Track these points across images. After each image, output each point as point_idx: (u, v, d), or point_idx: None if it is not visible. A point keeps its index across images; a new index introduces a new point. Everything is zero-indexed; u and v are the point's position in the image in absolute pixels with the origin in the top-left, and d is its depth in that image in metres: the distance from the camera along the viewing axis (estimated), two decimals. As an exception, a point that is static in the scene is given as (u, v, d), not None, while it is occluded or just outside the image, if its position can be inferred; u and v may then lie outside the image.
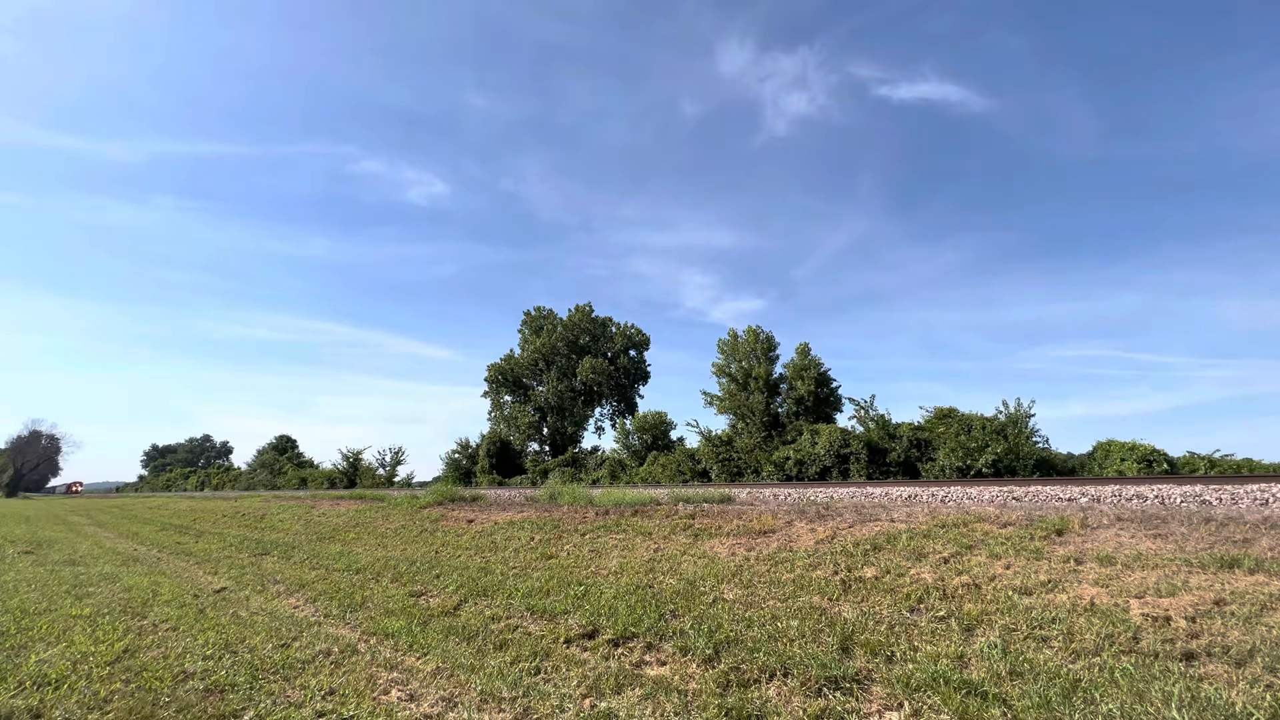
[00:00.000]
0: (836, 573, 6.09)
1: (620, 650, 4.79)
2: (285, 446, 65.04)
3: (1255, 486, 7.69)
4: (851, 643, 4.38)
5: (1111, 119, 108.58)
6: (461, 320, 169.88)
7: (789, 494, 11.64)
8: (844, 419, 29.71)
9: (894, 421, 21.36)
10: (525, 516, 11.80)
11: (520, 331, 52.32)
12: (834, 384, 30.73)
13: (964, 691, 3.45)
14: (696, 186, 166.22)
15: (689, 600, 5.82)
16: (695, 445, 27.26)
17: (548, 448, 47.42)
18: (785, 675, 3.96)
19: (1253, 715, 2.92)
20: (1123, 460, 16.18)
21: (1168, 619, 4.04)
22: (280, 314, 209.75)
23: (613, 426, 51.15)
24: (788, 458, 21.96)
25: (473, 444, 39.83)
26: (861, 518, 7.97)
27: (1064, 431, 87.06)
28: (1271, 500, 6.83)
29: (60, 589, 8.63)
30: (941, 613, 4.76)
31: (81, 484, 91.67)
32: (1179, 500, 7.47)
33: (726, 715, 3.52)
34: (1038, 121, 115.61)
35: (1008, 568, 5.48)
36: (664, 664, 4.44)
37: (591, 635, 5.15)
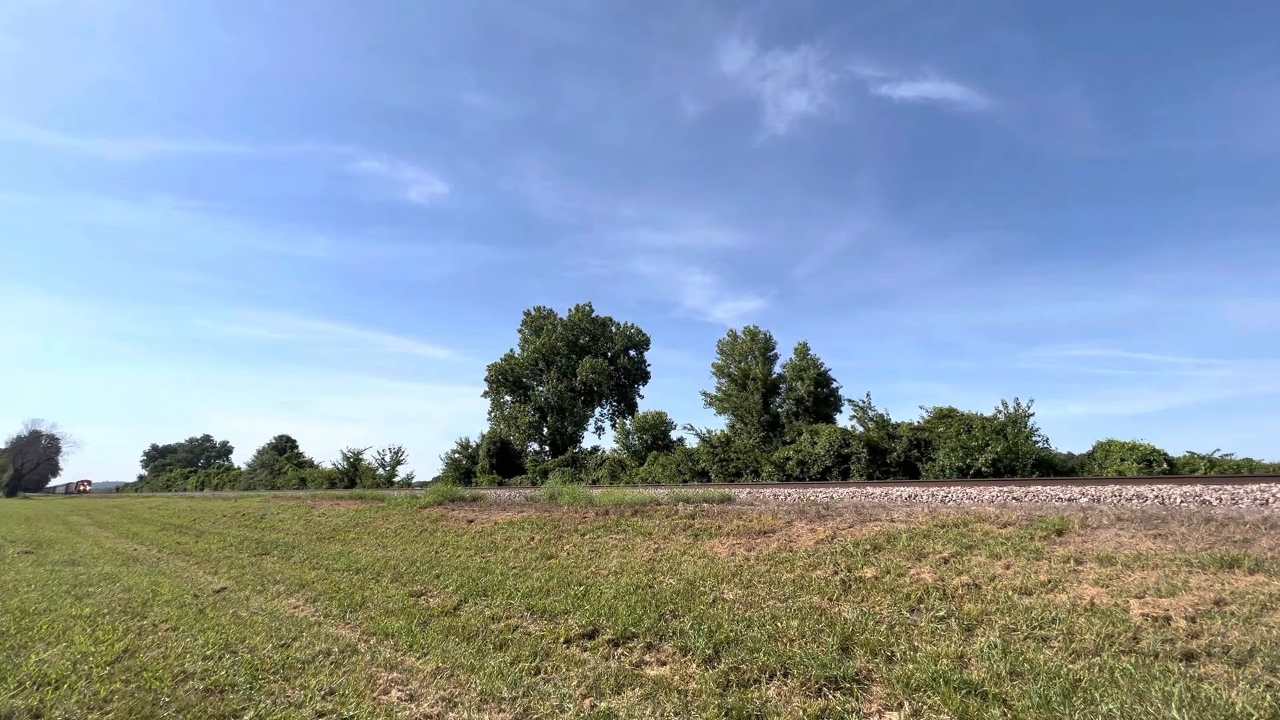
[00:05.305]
0: (836, 573, 6.09)
1: (620, 650, 4.79)
2: (285, 446, 65.05)
3: (1255, 486, 7.69)
4: (851, 643, 4.38)
5: (1113, 118, 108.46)
6: (461, 320, 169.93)
7: (789, 494, 11.64)
8: (844, 419, 29.78)
9: (894, 421, 21.38)
10: (525, 516, 11.80)
11: (520, 331, 52.35)
12: (834, 384, 30.79)
13: (964, 691, 3.45)
14: (696, 186, 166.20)
15: (689, 600, 5.82)
16: (695, 445, 27.26)
17: (548, 448, 47.41)
18: (785, 675, 3.96)
19: (1253, 715, 2.92)
20: (1123, 460, 16.18)
21: (1168, 619, 4.04)
22: (280, 314, 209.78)
23: (613, 426, 51.20)
24: (788, 458, 21.95)
25: (473, 444, 39.82)
26: (861, 518, 7.97)
27: (1064, 431, 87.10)
28: (1271, 500, 6.83)
29: (60, 589, 8.63)
30: (941, 613, 4.76)
31: (89, 482, 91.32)
32: (1179, 500, 7.46)
33: (726, 715, 3.52)
34: (1039, 121, 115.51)
35: (1008, 568, 5.48)
36: (664, 664, 4.44)
37: (591, 635, 5.15)
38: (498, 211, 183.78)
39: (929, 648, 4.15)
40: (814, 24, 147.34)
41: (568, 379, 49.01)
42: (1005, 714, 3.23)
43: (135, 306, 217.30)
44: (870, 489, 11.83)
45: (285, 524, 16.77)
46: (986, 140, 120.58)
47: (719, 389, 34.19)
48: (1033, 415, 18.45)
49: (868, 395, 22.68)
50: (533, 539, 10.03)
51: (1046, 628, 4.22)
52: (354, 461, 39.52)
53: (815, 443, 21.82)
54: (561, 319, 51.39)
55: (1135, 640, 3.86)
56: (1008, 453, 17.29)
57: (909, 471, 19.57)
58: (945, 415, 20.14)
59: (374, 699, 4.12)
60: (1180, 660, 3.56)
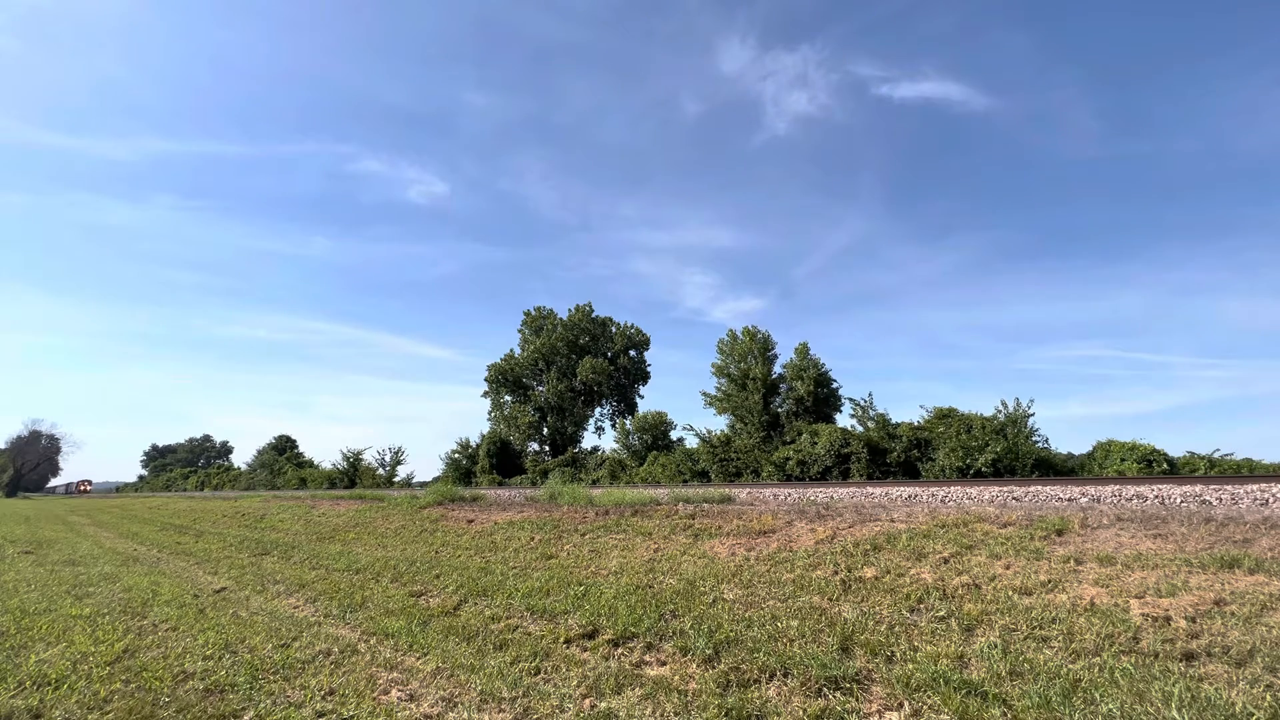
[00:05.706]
0: (836, 573, 6.09)
1: (620, 650, 4.79)
2: (285, 446, 65.03)
3: (1255, 486, 7.69)
4: (851, 643, 4.38)
5: (1113, 118, 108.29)
6: (461, 320, 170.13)
7: (789, 494, 11.64)
8: (844, 419, 29.77)
9: (894, 421, 21.39)
10: (525, 516, 11.80)
11: (520, 331, 52.31)
12: (834, 384, 30.79)
13: (964, 691, 3.45)
14: (697, 185, 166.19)
15: (689, 600, 5.82)
16: (695, 445, 27.26)
17: (548, 448, 47.40)
18: (785, 675, 3.96)
19: (1253, 715, 2.92)
20: (1123, 460, 16.19)
21: (1168, 619, 4.04)
22: (280, 314, 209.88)
23: (613, 426, 51.15)
24: (788, 458, 21.96)
25: (473, 444, 39.88)
26: (861, 518, 7.97)
27: (1064, 431, 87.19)
28: (1271, 500, 6.83)
29: (60, 589, 8.63)
30: (941, 613, 4.76)
31: (91, 482, 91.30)
32: (1179, 500, 7.46)
33: (726, 715, 3.52)
34: (1039, 120, 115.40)
35: (1008, 568, 5.48)
36: (664, 664, 4.44)
37: (591, 635, 5.15)
38: (497, 211, 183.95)
39: (929, 648, 4.15)
40: (814, 24, 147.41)
41: (568, 379, 48.99)
42: (1005, 714, 3.23)
43: (135, 306, 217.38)
44: (870, 489, 11.83)
45: (285, 524, 16.77)
46: (986, 140, 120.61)
47: (719, 389, 34.19)
48: (1033, 415, 18.53)
49: (869, 395, 22.75)
50: (533, 539, 10.03)
51: (1046, 628, 4.22)
52: (354, 461, 39.55)
53: (815, 443, 21.82)
54: (561, 319, 51.36)
55: (1135, 640, 3.86)
56: (1008, 453, 17.31)
57: (909, 471, 19.57)
58: (945, 415, 20.16)
59: (374, 699, 4.12)
60: (1180, 660, 3.56)
